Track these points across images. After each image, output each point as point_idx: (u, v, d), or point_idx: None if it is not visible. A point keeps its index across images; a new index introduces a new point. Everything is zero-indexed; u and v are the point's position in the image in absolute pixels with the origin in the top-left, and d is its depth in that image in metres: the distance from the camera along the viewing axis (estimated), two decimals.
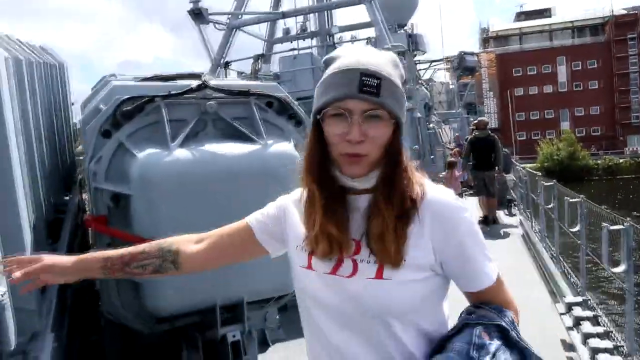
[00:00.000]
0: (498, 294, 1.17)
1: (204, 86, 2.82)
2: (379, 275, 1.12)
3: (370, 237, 1.13)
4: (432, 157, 13.82)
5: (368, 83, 1.05)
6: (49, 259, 1.31)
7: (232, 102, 2.93)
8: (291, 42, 15.92)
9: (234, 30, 14.49)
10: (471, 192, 10.84)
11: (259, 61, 14.20)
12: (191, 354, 2.87)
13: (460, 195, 10.46)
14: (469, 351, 1.02)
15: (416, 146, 10.04)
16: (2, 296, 1.69)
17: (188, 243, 1.35)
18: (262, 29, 15.58)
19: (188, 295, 2.57)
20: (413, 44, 17.98)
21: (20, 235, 2.07)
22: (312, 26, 15.55)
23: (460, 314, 1.15)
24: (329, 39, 14.32)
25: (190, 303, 2.63)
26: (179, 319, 2.73)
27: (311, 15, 15.13)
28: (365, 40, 12.46)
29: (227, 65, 13.75)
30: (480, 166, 8.83)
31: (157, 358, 3.28)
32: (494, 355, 1.01)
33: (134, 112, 2.47)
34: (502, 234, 8.74)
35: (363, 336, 1.15)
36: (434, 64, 27.51)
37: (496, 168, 8.94)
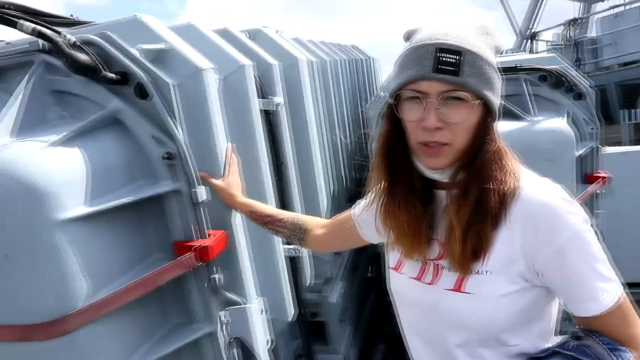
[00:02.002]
0: (614, 326, 0.88)
1: None
2: (459, 286, 0.94)
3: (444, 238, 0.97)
4: None
5: (445, 60, 0.87)
6: (228, 189, 1.50)
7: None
8: None
9: None
10: None
11: (571, 27, 12.76)
12: None
13: None
14: None
15: None
16: None
17: (316, 227, 1.44)
18: None
19: None
20: None
21: (318, 203, 2.64)
22: None
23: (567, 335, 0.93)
24: None
25: None
26: None
27: None
28: None
29: (534, 36, 12.87)
30: None
31: None
32: None
33: None
34: None
35: (445, 358, 1.00)
36: None
37: None
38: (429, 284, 0.99)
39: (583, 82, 2.96)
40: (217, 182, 1.52)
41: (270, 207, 1.63)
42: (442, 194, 1.01)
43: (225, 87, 1.75)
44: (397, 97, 0.95)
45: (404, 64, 0.93)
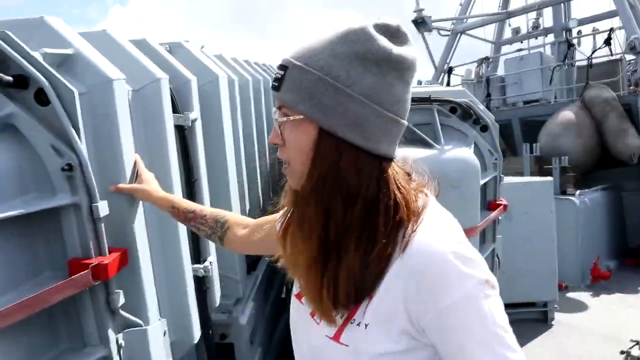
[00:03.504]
0: None
1: None
2: (337, 336, 0.84)
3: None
4: None
5: (276, 76, 0.85)
6: (143, 187, 1.46)
7: (415, 109, 3.09)
8: (521, 42, 14.95)
9: (458, 35, 14.35)
10: None
11: (483, 65, 13.74)
12: None
13: None
14: None
15: None
16: (210, 264, 2.19)
17: (238, 226, 1.35)
18: (489, 31, 15.04)
19: None
20: None
21: None
22: (545, 22, 14.35)
23: None
24: (566, 35, 12.91)
25: None
26: None
27: (545, 9, 13.98)
28: (608, 32, 10.88)
29: (450, 71, 13.69)
30: None
31: None
32: None
33: None
34: None
35: None
36: None
37: None
38: (319, 322, 0.88)
39: (487, 116, 3.19)
40: (130, 185, 1.46)
41: (192, 203, 1.52)
42: None
43: (138, 100, 1.69)
44: None
45: None
